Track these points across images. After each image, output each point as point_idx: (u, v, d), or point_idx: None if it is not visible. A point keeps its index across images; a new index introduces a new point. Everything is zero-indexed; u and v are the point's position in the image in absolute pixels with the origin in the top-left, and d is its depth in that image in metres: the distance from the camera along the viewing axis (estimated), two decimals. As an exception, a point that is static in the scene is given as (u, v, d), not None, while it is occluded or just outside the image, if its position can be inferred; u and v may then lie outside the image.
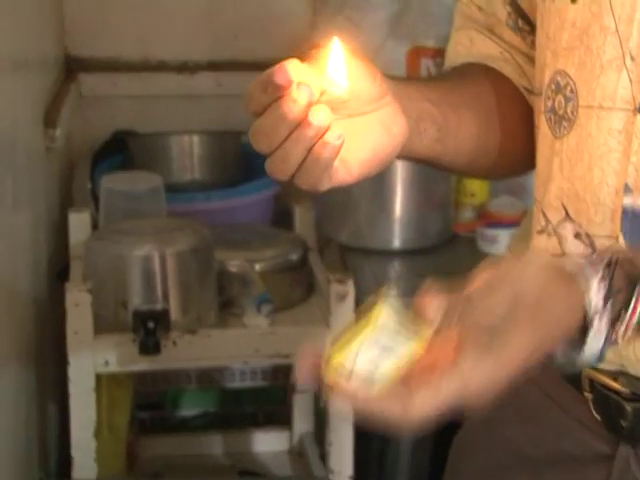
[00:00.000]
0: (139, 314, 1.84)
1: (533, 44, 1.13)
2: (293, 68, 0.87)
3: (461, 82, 1.14)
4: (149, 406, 2.37)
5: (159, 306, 1.85)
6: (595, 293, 0.86)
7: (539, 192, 1.07)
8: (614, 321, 0.88)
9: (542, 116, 1.06)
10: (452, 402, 0.81)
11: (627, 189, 0.97)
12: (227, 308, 1.94)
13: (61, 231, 2.13)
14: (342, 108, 0.93)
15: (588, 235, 1.01)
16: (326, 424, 1.95)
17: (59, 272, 2.03)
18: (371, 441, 2.06)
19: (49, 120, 2.17)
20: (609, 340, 0.88)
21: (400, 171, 2.17)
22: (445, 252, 2.20)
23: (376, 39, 2.40)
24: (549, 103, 1.04)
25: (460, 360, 0.81)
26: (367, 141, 0.96)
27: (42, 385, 2.07)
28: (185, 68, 2.52)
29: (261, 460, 2.25)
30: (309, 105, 0.87)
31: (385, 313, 0.79)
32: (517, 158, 1.17)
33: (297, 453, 2.23)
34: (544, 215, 1.05)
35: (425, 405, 0.80)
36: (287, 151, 0.89)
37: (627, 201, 0.97)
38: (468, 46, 1.17)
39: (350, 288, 1.90)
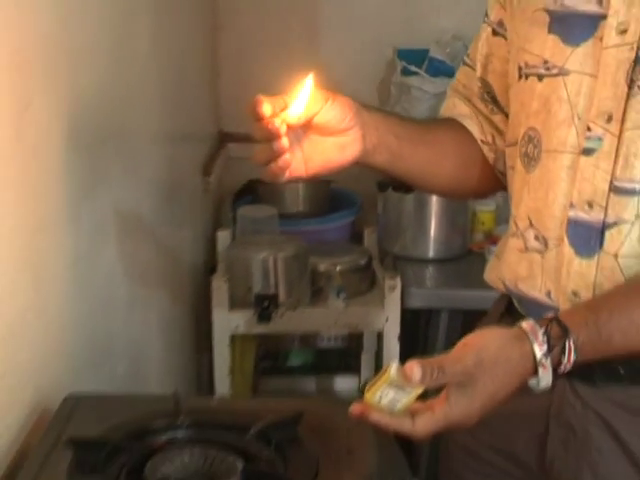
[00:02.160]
0: (259, 296, 1.86)
1: (492, 111, 1.12)
2: (267, 104, 0.89)
3: (432, 127, 1.13)
4: (269, 358, 2.35)
5: (272, 291, 1.86)
6: (538, 352, 0.86)
7: (515, 209, 1.04)
8: (557, 366, 0.87)
9: (518, 159, 1.02)
10: (442, 426, 0.84)
11: (571, 206, 0.96)
12: (317, 294, 1.94)
13: (212, 243, 2.14)
14: (317, 130, 0.95)
15: (544, 237, 0.99)
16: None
17: (210, 269, 2.04)
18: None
19: (206, 172, 2.20)
20: (555, 376, 0.88)
21: (434, 208, 2.13)
22: (463, 262, 2.15)
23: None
24: (523, 149, 1.01)
25: (446, 399, 0.84)
26: (323, 155, 0.97)
27: (199, 342, 2.09)
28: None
29: (338, 395, 2.23)
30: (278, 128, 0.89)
31: (392, 375, 0.82)
32: (469, 185, 1.15)
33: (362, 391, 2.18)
34: (516, 224, 1.03)
35: (424, 426, 0.84)
36: (258, 152, 0.92)
37: (571, 214, 0.96)
38: (452, 108, 1.15)
39: (397, 283, 1.92)
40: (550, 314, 0.90)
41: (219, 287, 1.86)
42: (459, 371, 0.84)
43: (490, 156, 1.13)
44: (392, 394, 0.82)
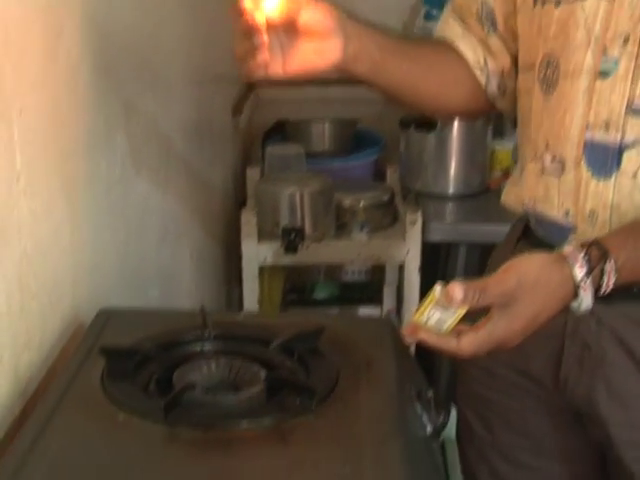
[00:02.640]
0: (286, 229, 1.85)
1: (488, 32, 1.09)
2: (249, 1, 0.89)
3: (420, 45, 1.11)
4: (296, 291, 2.36)
5: (298, 225, 1.85)
6: (578, 274, 0.84)
7: (534, 133, 1.01)
8: (597, 288, 0.85)
9: (535, 83, 0.99)
10: (486, 345, 0.83)
11: (588, 127, 0.93)
12: (341, 228, 1.93)
13: (242, 179, 2.13)
14: (297, 34, 0.92)
15: (561, 159, 0.97)
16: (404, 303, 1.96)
17: (240, 203, 2.02)
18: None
19: (235, 111, 2.19)
20: (596, 299, 0.86)
21: (454, 146, 2.10)
22: (481, 198, 2.11)
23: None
24: (541, 74, 0.98)
25: (490, 319, 0.83)
26: (302, 58, 0.94)
27: (229, 274, 2.10)
28: (324, 83, 2.48)
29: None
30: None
31: (437, 295, 0.82)
32: (454, 104, 1.12)
33: (385, 320, 2.19)
34: (535, 148, 1.00)
35: (469, 344, 0.83)
36: (238, 46, 0.91)
37: (588, 135, 0.93)
38: (445, 27, 1.13)
39: (418, 217, 1.90)
40: (591, 239, 0.87)
41: (248, 220, 1.86)
42: (500, 292, 0.82)
43: (482, 78, 1.10)
44: (438, 315, 0.82)
